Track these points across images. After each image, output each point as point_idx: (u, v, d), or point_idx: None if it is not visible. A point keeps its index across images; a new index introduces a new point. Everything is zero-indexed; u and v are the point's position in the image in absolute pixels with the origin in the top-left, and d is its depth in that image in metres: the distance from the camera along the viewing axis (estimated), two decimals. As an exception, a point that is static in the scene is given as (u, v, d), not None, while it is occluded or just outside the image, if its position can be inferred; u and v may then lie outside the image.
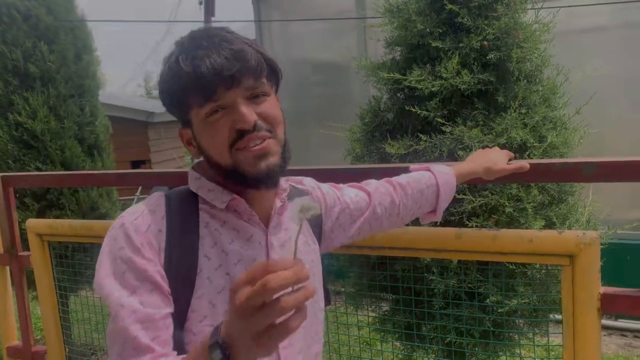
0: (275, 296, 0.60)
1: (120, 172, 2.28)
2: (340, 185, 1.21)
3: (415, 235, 1.65)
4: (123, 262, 0.84)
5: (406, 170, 1.38)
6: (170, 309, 0.84)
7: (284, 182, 1.01)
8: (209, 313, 0.87)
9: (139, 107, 11.32)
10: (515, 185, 1.88)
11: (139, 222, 0.87)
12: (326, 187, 1.18)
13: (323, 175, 1.37)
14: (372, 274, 2.05)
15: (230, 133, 0.86)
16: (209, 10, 9.15)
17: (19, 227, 2.53)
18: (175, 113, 0.94)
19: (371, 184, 1.23)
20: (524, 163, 1.42)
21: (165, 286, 0.84)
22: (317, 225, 1.10)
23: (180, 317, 0.85)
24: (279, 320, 0.61)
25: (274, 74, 0.94)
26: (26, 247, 2.48)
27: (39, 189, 3.48)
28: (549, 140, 1.92)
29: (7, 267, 2.59)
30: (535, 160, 1.47)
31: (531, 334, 1.94)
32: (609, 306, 1.44)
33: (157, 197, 0.93)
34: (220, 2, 9.12)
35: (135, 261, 0.83)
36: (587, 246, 1.43)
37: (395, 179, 1.27)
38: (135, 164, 10.90)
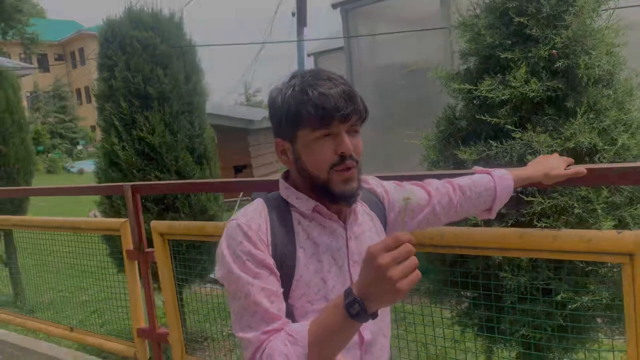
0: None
1: (224, 180, 2.66)
2: (404, 182, 1.42)
3: (482, 235, 1.82)
4: (243, 254, 1.06)
5: (470, 174, 1.56)
6: (281, 289, 1.08)
7: None
8: (306, 291, 1.11)
9: (240, 116, 12.08)
10: (585, 187, 1.96)
11: (251, 223, 1.09)
12: (390, 184, 1.39)
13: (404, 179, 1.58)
14: (448, 272, 2.22)
15: (334, 156, 1.08)
16: (302, 21, 9.59)
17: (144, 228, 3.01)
18: (280, 127, 1.13)
19: (433, 183, 1.43)
20: (581, 168, 1.53)
21: (277, 271, 1.08)
22: (382, 218, 1.32)
23: (285, 295, 1.09)
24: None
25: (366, 116, 1.14)
26: (150, 245, 2.94)
27: (159, 194, 4.01)
28: (619, 143, 1.97)
29: (136, 262, 3.08)
30: (592, 165, 1.58)
31: (605, 329, 2.00)
32: (670, 303, 1.51)
33: (260, 203, 1.16)
34: (311, 13, 9.53)
35: (254, 253, 1.06)
36: (646, 245, 1.51)
37: (455, 180, 1.45)
38: (238, 169, 11.68)
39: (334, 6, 5.93)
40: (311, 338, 0.96)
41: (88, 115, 41.15)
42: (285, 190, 1.19)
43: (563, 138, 2.01)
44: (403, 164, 4.54)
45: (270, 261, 1.08)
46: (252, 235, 1.08)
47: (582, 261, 1.91)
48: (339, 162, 1.08)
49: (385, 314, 1.25)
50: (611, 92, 2.10)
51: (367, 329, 1.15)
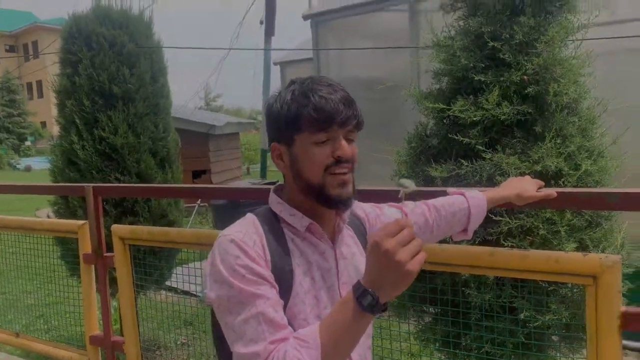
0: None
1: (191, 186, 2.60)
2: (381, 204, 1.43)
3: (453, 252, 1.85)
4: (242, 268, 1.02)
5: (444, 193, 1.59)
6: (282, 301, 1.05)
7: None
8: (302, 308, 1.09)
9: (202, 120, 11.90)
10: (550, 209, 2.03)
11: (247, 239, 1.06)
12: (368, 206, 1.41)
13: (372, 195, 1.60)
14: (414, 287, 2.24)
15: (330, 159, 1.08)
16: (270, 30, 9.60)
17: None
18: (279, 131, 1.13)
19: (408, 204, 1.45)
20: (552, 191, 1.59)
21: (276, 285, 1.05)
22: (364, 242, 1.31)
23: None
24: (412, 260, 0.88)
25: (362, 124, 1.16)
26: (108, 249, 2.84)
27: (118, 197, 3.88)
28: (583, 168, 2.06)
29: (93, 266, 2.96)
30: (562, 189, 1.64)
31: (563, 348, 2.07)
32: (629, 325, 1.58)
33: (252, 218, 1.14)
34: (279, 23, 9.55)
35: (254, 267, 1.03)
36: (609, 268, 1.58)
37: (430, 201, 1.48)
38: (196, 174, 11.48)
39: (305, 17, 5.96)
40: (323, 339, 0.94)
41: (39, 110, 39.55)
42: (278, 205, 1.17)
43: (531, 161, 2.08)
44: (369, 177, 4.58)
45: (270, 275, 1.05)
46: (248, 250, 1.05)
47: (544, 281, 1.97)
48: (334, 164, 1.08)
49: (367, 336, 1.25)
50: (576, 119, 2.19)
51: (356, 351, 1.14)
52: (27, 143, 35.95)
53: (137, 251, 3.10)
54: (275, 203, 1.18)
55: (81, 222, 2.96)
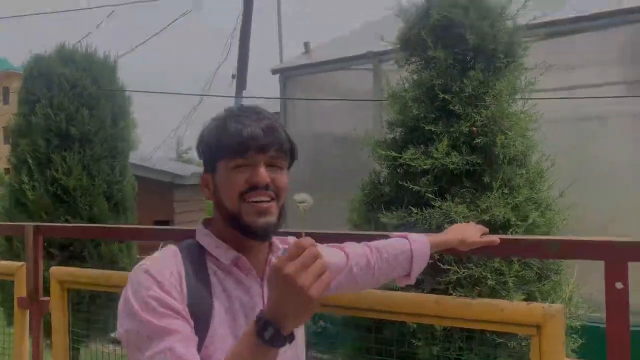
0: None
1: (138, 227, 2.51)
2: (322, 245, 1.39)
3: (398, 299, 1.80)
4: (153, 300, 0.96)
5: (386, 237, 1.56)
6: (196, 337, 0.98)
7: (280, 243, 1.19)
8: (221, 347, 1.00)
9: (167, 169, 11.79)
10: (498, 260, 2.02)
11: (162, 269, 1.01)
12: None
13: (327, 239, 1.55)
14: (361, 337, 2.17)
15: (244, 185, 1.05)
16: (241, 84, 9.77)
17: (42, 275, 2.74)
18: (206, 157, 1.12)
19: (350, 245, 1.41)
20: (495, 238, 1.58)
21: (191, 322, 0.98)
22: None
23: (198, 350, 0.97)
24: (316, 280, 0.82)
25: (291, 153, 1.13)
26: (46, 294, 2.67)
27: (66, 240, 3.72)
28: (530, 220, 2.07)
29: (28, 311, 2.77)
30: (505, 236, 1.64)
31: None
32: (573, 376, 1.54)
33: (172, 249, 1.08)
34: (251, 77, 9.75)
35: (166, 299, 0.96)
36: (552, 317, 1.55)
37: (372, 243, 1.44)
38: (159, 224, 11.22)
39: (274, 72, 6.08)
40: None
41: (3, 156, 38.66)
42: (205, 237, 1.12)
43: (479, 210, 2.08)
44: (335, 226, 4.54)
45: (184, 309, 0.98)
46: (162, 282, 0.98)
47: (492, 333, 1.92)
48: (249, 190, 1.05)
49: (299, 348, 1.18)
50: (524, 172, 2.23)
51: None
52: (-13, 188, 34.87)
53: (79, 296, 2.94)
54: (202, 235, 1.13)
55: (19, 263, 2.80)
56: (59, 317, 2.59)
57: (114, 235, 2.86)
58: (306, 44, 6.62)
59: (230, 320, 1.05)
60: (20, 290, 2.76)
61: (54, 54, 4.10)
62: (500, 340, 1.98)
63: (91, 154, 3.95)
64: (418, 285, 2.00)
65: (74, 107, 3.93)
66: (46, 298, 2.67)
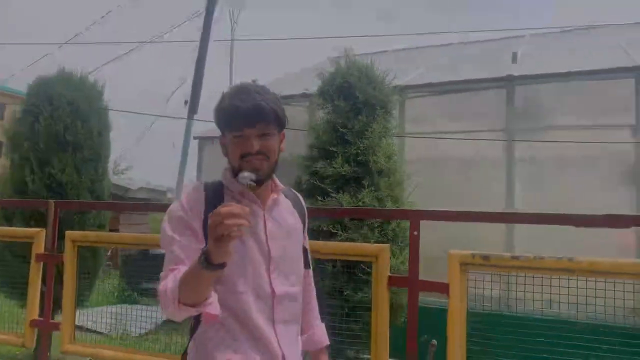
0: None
1: (125, 202, 3.64)
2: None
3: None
4: (175, 218, 1.36)
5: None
6: (201, 246, 1.29)
7: (280, 185, 1.53)
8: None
9: (117, 183, 12.57)
10: (365, 227, 3.38)
11: (190, 197, 1.39)
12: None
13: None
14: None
15: (241, 151, 1.36)
16: (193, 108, 10.89)
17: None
18: (219, 127, 1.43)
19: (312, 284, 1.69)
20: None
21: (201, 234, 1.32)
22: (303, 219, 1.60)
23: None
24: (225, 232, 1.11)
25: (279, 121, 1.40)
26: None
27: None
28: (387, 205, 3.46)
29: (41, 264, 3.80)
30: (365, 208, 2.99)
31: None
32: (393, 282, 2.87)
33: (199, 184, 1.44)
34: (203, 102, 10.89)
35: (183, 216, 1.35)
36: (382, 250, 2.89)
37: (313, 298, 1.69)
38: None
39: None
40: (181, 278, 1.23)
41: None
42: (225, 171, 1.45)
43: (357, 199, 3.45)
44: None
45: (196, 225, 1.34)
46: (185, 205, 1.37)
47: (358, 262, 3.26)
48: (244, 155, 1.37)
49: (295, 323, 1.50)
50: (387, 179, 3.64)
51: (286, 337, 1.42)
52: None
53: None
54: (224, 169, 1.47)
55: (37, 229, 3.85)
56: (71, 266, 3.67)
57: (111, 207, 3.99)
58: (254, 81, 7.92)
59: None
60: (39, 248, 3.81)
61: (56, 75, 5.18)
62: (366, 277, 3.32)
63: (81, 157, 5.01)
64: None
65: (70, 119, 5.00)
66: (60, 253, 3.74)
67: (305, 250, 1.60)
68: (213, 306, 1.27)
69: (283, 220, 1.48)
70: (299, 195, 1.64)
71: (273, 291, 1.39)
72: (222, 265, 1.17)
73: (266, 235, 1.41)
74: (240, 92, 1.38)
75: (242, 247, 1.35)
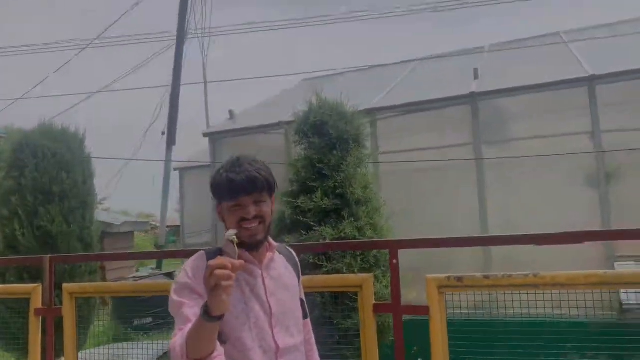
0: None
1: (129, 252, 3.80)
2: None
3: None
4: (181, 285, 1.49)
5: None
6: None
7: (274, 243, 1.66)
8: (232, 310, 1.40)
9: (100, 219, 12.59)
10: (349, 258, 3.60)
11: (194, 265, 1.52)
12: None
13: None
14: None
15: (239, 218, 1.51)
16: (171, 140, 11.06)
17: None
18: (215, 197, 1.58)
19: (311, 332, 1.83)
20: None
21: (206, 297, 1.30)
22: (297, 273, 1.75)
23: None
24: (217, 284, 1.22)
25: (271, 188, 1.56)
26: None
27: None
28: (367, 236, 3.69)
29: (40, 318, 3.92)
30: (353, 241, 3.22)
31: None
32: (378, 309, 3.10)
33: (201, 253, 1.57)
34: (180, 134, 11.06)
35: (188, 283, 1.48)
36: (366, 280, 3.11)
37: (314, 350, 1.82)
38: (93, 270, 11.88)
39: (205, 135, 7.51)
40: (187, 334, 1.33)
41: None
42: (223, 241, 1.52)
43: (338, 230, 3.68)
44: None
45: (201, 290, 1.39)
46: (190, 273, 1.49)
47: (345, 293, 3.47)
48: (242, 221, 1.52)
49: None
50: (365, 208, 3.87)
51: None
52: None
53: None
54: (224, 241, 1.52)
55: (34, 285, 3.97)
56: (70, 319, 3.81)
57: (101, 258, 4.14)
58: (231, 112, 8.17)
59: (239, 293, 1.51)
60: (36, 303, 3.93)
61: (37, 129, 5.32)
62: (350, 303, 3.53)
63: (68, 206, 5.16)
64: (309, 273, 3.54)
65: (54, 171, 5.14)
66: (58, 307, 3.87)
67: (302, 301, 1.74)
68: None
69: (280, 276, 1.62)
70: (291, 250, 1.80)
71: (277, 345, 1.52)
72: (221, 317, 1.27)
73: (266, 293, 1.55)
74: (235, 166, 1.55)
75: (246, 306, 1.50)
